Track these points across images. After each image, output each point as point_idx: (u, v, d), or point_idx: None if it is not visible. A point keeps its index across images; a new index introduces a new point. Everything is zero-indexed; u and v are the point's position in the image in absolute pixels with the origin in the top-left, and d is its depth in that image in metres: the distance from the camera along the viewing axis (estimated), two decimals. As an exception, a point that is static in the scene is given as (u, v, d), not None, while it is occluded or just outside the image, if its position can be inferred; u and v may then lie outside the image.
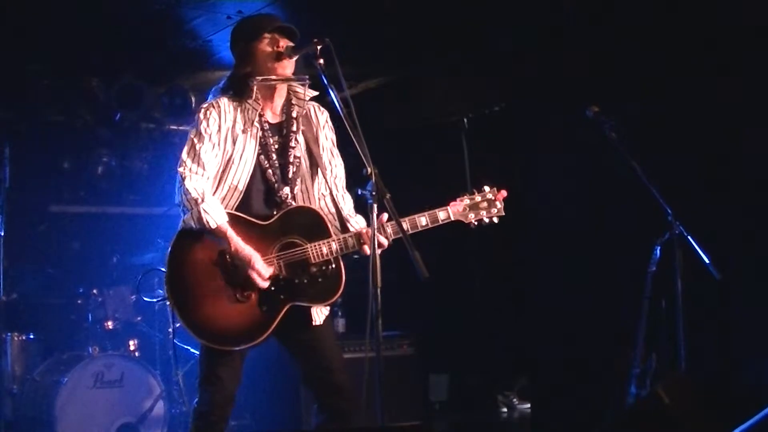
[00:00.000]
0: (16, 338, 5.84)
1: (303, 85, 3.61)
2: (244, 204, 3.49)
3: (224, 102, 3.53)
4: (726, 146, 4.99)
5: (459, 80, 7.10)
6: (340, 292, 3.47)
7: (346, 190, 3.70)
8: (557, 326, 6.04)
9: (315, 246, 3.44)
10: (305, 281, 3.44)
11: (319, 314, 3.56)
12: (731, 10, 4.92)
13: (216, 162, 3.48)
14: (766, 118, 4.82)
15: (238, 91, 3.54)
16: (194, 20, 5.94)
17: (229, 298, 3.39)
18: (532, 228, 6.33)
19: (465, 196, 3.60)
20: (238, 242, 3.37)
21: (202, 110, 3.52)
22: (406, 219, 3.42)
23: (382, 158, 3.28)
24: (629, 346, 4.67)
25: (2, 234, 5.58)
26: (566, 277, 5.98)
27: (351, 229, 3.54)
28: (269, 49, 3.51)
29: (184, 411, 5.53)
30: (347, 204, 3.68)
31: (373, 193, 3.16)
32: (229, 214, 3.42)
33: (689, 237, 4.28)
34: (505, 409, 7.12)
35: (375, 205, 3.17)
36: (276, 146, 3.56)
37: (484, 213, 3.60)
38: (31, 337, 5.95)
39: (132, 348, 5.90)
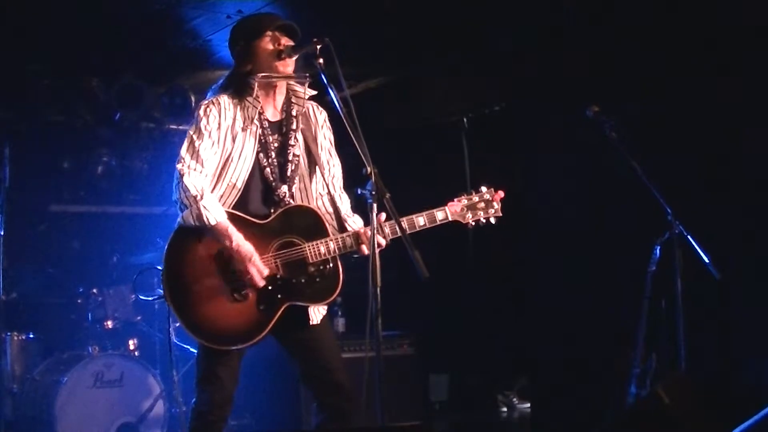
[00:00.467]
0: (16, 338, 5.83)
1: (303, 83, 3.61)
2: (242, 202, 3.49)
3: (224, 99, 3.53)
4: (726, 146, 4.99)
5: (459, 80, 7.10)
6: (338, 291, 3.46)
7: (343, 191, 3.70)
8: (557, 326, 6.04)
9: (313, 245, 3.44)
10: (303, 281, 3.43)
11: (317, 314, 3.56)
12: (731, 10, 4.92)
13: (215, 159, 3.47)
14: (766, 118, 4.82)
15: (239, 89, 3.53)
16: (194, 20, 5.94)
17: (226, 296, 3.38)
18: (532, 228, 6.33)
19: (463, 197, 3.60)
20: (238, 238, 3.36)
21: (202, 107, 3.51)
22: (404, 219, 3.41)
23: (382, 158, 3.28)
24: (629, 346, 4.67)
25: (2, 233, 5.58)
26: (566, 277, 5.98)
27: (349, 229, 3.54)
28: (271, 47, 3.51)
29: (184, 411, 5.52)
30: (345, 204, 3.67)
31: (373, 192, 3.16)
32: (226, 212, 3.41)
33: (689, 236, 4.28)
34: (505, 409, 7.12)
35: (374, 205, 3.17)
36: (275, 144, 3.55)
37: (481, 213, 3.60)
38: (31, 336, 5.95)
39: (132, 347, 5.90)
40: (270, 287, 3.40)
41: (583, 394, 5.62)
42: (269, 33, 3.52)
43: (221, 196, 3.46)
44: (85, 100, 6.95)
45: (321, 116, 3.71)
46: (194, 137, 3.46)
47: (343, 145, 3.60)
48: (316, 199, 3.65)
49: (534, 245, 6.38)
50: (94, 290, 5.98)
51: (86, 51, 6.38)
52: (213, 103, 3.51)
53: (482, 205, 3.61)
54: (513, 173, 6.61)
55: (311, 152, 3.62)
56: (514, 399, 7.14)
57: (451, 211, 3.57)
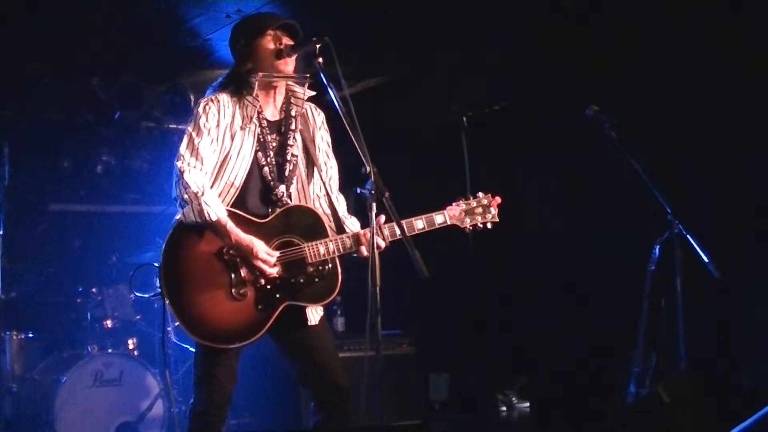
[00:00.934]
0: (15, 337, 5.83)
1: (303, 84, 3.61)
2: (240, 201, 3.48)
3: (224, 97, 3.52)
4: (726, 146, 4.99)
5: (459, 80, 7.10)
6: (337, 292, 3.46)
7: (339, 192, 3.70)
8: (557, 326, 6.04)
9: (312, 246, 3.43)
10: (302, 281, 3.43)
11: (314, 314, 3.56)
12: (731, 10, 4.92)
13: (214, 157, 3.46)
14: (766, 118, 4.81)
15: (238, 88, 3.53)
16: (194, 19, 5.94)
17: (225, 295, 3.37)
18: (531, 227, 6.33)
19: (461, 201, 3.62)
20: (237, 234, 3.36)
21: (201, 105, 3.50)
22: (403, 222, 3.41)
23: (382, 158, 3.28)
24: (629, 346, 4.67)
25: (2, 233, 5.58)
26: (566, 277, 5.98)
27: (347, 230, 3.54)
28: (271, 46, 3.51)
29: (184, 410, 5.52)
30: (341, 206, 3.68)
31: (373, 191, 3.17)
32: (226, 210, 3.40)
33: (689, 236, 4.28)
34: (504, 409, 7.12)
35: (374, 204, 3.17)
36: (274, 144, 3.55)
37: (479, 218, 3.63)
38: (31, 335, 5.95)
39: (131, 347, 5.90)
40: (269, 286, 3.40)
41: (583, 394, 5.62)
42: (270, 32, 3.52)
43: (219, 195, 3.46)
44: (85, 99, 6.94)
45: (319, 117, 3.71)
46: (193, 134, 3.45)
47: (342, 145, 3.60)
48: (314, 200, 3.65)
49: (534, 244, 6.39)
50: (94, 289, 5.97)
51: (86, 50, 6.38)
52: (212, 101, 3.50)
53: (480, 210, 3.63)
54: (513, 173, 6.62)
55: (309, 153, 3.62)
56: (514, 398, 7.14)
57: (450, 215, 3.58)
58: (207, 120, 3.46)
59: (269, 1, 5.58)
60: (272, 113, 3.60)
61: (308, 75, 3.57)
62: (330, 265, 3.46)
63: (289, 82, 3.62)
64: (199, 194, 3.33)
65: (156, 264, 3.43)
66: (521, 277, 6.53)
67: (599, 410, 5.12)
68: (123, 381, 5.56)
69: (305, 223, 3.48)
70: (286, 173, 3.55)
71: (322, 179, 3.63)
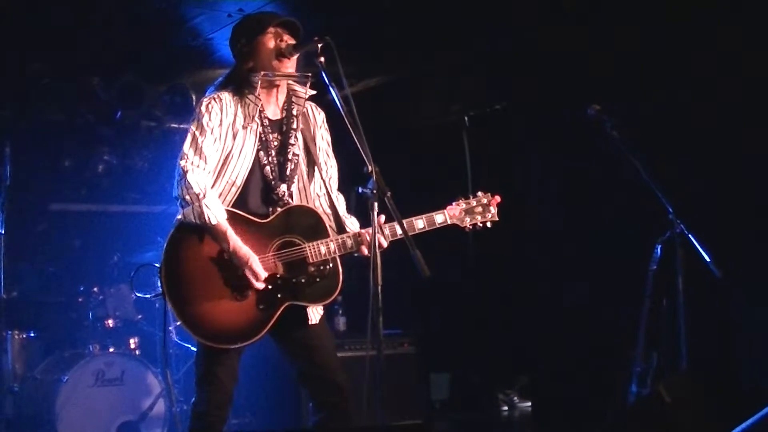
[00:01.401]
0: (16, 336, 5.84)
1: (305, 83, 3.61)
2: (241, 200, 3.48)
3: (226, 96, 3.51)
4: (726, 146, 4.99)
5: (459, 80, 7.10)
6: (338, 291, 3.46)
7: (338, 192, 3.70)
8: (557, 325, 6.05)
9: (313, 245, 3.43)
10: (303, 280, 3.43)
11: (315, 314, 3.56)
12: (731, 10, 4.92)
13: (216, 156, 3.46)
14: (766, 118, 4.82)
15: (240, 86, 3.52)
16: (195, 18, 5.94)
17: (226, 295, 3.37)
18: (532, 228, 6.33)
19: (461, 200, 3.62)
20: (236, 241, 3.36)
21: (204, 103, 3.49)
22: (404, 221, 3.41)
23: (382, 158, 3.28)
24: (630, 346, 4.67)
25: (3, 232, 5.58)
26: (567, 277, 5.99)
27: (347, 229, 3.54)
28: (273, 44, 3.50)
29: (185, 409, 5.52)
30: (341, 205, 3.68)
31: (374, 191, 3.17)
32: (227, 211, 3.40)
33: (690, 236, 4.28)
34: (505, 408, 7.13)
35: (375, 204, 3.17)
36: (275, 143, 3.55)
37: (479, 218, 3.63)
38: (32, 335, 5.95)
39: (132, 346, 5.90)
40: (270, 286, 3.40)
41: (583, 394, 5.63)
42: (271, 30, 3.52)
43: (220, 194, 3.45)
44: (86, 98, 6.94)
45: (319, 117, 3.71)
46: (197, 133, 3.44)
47: (343, 144, 3.61)
48: (315, 199, 3.65)
49: (534, 244, 6.39)
50: (95, 289, 5.98)
51: (86, 50, 6.38)
52: (215, 100, 3.50)
53: (480, 209, 3.63)
54: (513, 173, 6.62)
55: (310, 152, 3.62)
56: (515, 398, 7.14)
57: (450, 214, 3.58)
58: (210, 119, 3.46)
59: (270, 1, 5.58)
60: (274, 112, 3.60)
61: (310, 74, 3.57)
62: (331, 265, 3.46)
63: (291, 81, 3.62)
64: (201, 196, 3.33)
65: (157, 264, 3.43)
66: (522, 277, 6.54)
67: (600, 410, 5.12)
68: (124, 380, 5.56)
69: (306, 223, 3.47)
70: (288, 172, 3.55)
71: (322, 178, 3.63)
